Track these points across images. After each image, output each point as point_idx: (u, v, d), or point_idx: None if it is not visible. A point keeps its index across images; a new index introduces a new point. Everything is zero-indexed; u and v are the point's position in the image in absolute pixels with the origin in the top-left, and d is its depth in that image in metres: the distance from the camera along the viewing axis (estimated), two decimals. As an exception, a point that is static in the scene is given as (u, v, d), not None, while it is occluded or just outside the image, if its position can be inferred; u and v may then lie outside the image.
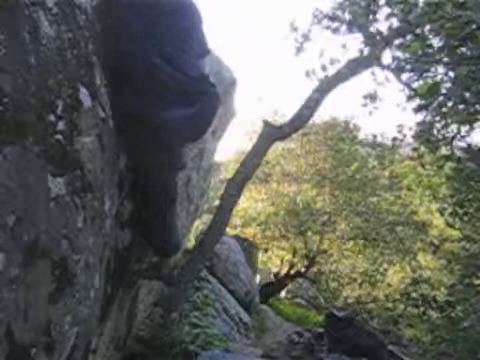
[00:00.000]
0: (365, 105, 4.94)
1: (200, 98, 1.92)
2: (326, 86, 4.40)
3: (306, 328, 6.52)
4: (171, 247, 2.61)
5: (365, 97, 4.88)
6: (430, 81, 3.71)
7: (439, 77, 3.74)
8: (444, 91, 3.66)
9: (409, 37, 4.04)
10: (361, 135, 10.22)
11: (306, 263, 10.24)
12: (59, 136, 1.22)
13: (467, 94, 3.36)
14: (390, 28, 4.28)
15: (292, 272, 10.46)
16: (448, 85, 3.72)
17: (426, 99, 3.73)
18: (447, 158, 4.51)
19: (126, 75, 1.72)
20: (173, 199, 2.30)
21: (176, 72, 1.78)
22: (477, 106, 3.39)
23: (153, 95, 1.76)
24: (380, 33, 4.22)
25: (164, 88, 1.76)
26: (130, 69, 1.72)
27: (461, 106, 3.59)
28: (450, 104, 3.79)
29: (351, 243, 10.05)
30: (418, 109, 4.14)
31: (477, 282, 5.24)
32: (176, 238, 2.60)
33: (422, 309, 5.95)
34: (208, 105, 2.01)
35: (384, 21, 4.26)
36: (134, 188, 2.11)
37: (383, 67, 4.55)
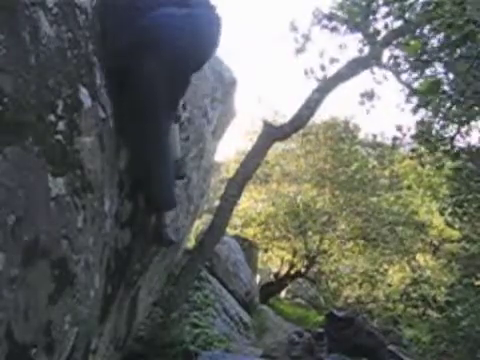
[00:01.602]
0: (362, 103, 4.96)
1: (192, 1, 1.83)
2: (326, 86, 4.41)
3: (306, 328, 6.51)
4: (162, 199, 2.25)
5: (362, 95, 4.89)
6: (430, 79, 3.72)
7: (439, 76, 3.76)
8: (444, 89, 3.67)
9: (408, 36, 4.05)
10: (361, 135, 10.26)
11: (306, 263, 10.25)
12: (59, 136, 1.22)
13: (466, 93, 3.37)
14: (389, 27, 4.29)
15: (292, 272, 10.47)
16: (446, 87, 3.74)
17: (426, 97, 3.74)
18: (446, 152, 4.51)
19: None
20: (162, 144, 2.00)
21: None
22: (476, 108, 3.40)
23: None
24: (378, 32, 4.24)
25: None
26: None
27: (460, 105, 3.59)
28: (449, 104, 3.80)
29: (351, 243, 10.05)
30: (417, 107, 4.15)
31: (477, 282, 5.24)
32: (168, 193, 2.27)
33: (422, 309, 5.97)
34: (204, 10, 1.89)
35: (383, 20, 4.27)
36: (134, 188, 2.11)
37: (383, 67, 4.56)
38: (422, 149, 4.96)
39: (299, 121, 4.36)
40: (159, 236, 2.45)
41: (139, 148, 1.96)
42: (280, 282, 10.52)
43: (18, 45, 1.05)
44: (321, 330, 5.52)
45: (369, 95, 4.88)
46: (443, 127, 4.55)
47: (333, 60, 4.65)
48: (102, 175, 1.54)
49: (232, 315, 5.85)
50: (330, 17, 4.68)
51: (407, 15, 3.88)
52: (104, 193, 1.59)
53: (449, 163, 5.06)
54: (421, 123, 4.62)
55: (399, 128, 5.02)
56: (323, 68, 4.63)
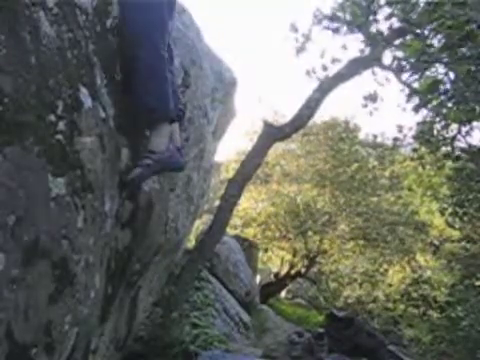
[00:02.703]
0: (365, 106, 4.95)
1: None
2: (326, 86, 4.41)
3: (306, 328, 6.50)
4: (161, 102, 1.96)
5: (365, 98, 4.88)
6: (430, 79, 3.72)
7: (439, 76, 3.75)
8: (444, 90, 3.67)
9: (409, 37, 4.05)
10: (361, 135, 10.23)
11: (306, 263, 10.24)
12: (59, 136, 1.22)
13: (467, 93, 3.37)
14: (390, 28, 4.29)
15: (292, 272, 10.46)
16: (447, 86, 3.73)
17: (426, 97, 3.74)
18: (446, 156, 4.52)
19: None
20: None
21: None
22: (477, 108, 3.39)
23: None
24: (380, 33, 4.23)
25: None
26: None
27: (461, 106, 3.59)
28: (450, 105, 3.80)
29: (351, 243, 10.04)
30: (417, 107, 4.14)
31: (477, 282, 5.25)
32: (166, 104, 1.98)
33: (422, 309, 5.97)
34: None
35: (384, 21, 4.27)
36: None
37: (383, 67, 4.55)
38: (423, 149, 4.96)
39: (299, 121, 4.36)
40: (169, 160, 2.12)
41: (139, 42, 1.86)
42: (280, 282, 10.51)
43: (18, 45, 1.05)
44: (321, 330, 5.51)
45: (372, 97, 4.88)
46: (444, 127, 4.55)
47: (334, 60, 4.64)
48: (102, 175, 1.54)
49: (232, 315, 5.84)
50: (331, 18, 4.68)
51: (408, 15, 3.88)
52: (104, 193, 1.59)
53: (450, 163, 5.06)
54: (422, 123, 4.62)
55: (400, 128, 5.02)
56: (325, 68, 4.63)
